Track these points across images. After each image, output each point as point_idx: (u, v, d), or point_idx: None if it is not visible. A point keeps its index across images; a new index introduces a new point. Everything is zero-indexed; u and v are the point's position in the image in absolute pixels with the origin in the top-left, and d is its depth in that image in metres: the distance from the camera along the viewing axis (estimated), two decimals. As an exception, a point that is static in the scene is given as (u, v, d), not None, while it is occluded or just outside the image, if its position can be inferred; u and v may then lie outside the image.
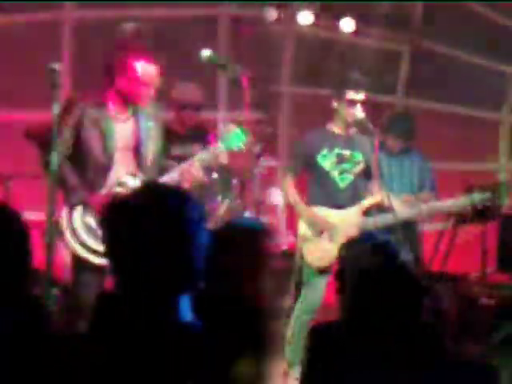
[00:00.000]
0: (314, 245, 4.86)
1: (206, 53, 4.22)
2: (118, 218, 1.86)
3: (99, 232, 3.50)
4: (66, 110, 3.83)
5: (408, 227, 5.04)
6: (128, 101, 3.91)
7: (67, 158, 3.83)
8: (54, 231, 3.55)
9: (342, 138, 4.97)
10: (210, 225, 3.50)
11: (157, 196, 1.88)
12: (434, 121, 7.59)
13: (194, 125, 5.07)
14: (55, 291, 4.47)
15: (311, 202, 4.97)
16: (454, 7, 7.48)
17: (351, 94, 4.85)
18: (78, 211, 3.85)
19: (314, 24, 7.67)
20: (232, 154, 4.28)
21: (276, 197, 7.62)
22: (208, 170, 4.28)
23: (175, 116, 5.06)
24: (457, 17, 7.46)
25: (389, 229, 4.78)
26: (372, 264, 2.37)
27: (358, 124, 4.90)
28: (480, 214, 5.14)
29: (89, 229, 3.84)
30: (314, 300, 4.86)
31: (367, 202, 4.92)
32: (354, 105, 4.86)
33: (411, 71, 8.08)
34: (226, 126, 4.21)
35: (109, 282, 3.33)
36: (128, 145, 3.97)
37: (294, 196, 4.97)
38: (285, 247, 6.46)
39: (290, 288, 4.98)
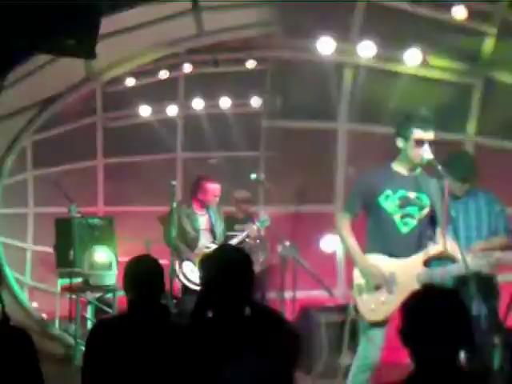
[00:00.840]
0: (369, 296, 4.36)
1: (253, 175, 7.31)
2: (206, 265, 3.23)
3: (196, 273, 6.31)
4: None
5: (481, 278, 4.36)
6: (204, 204, 6.93)
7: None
8: (173, 271, 6.64)
9: (408, 178, 4.46)
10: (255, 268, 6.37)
11: (225, 252, 3.30)
12: (508, 160, 6.80)
13: (247, 213, 7.86)
14: (174, 302, 6.86)
15: (369, 247, 4.48)
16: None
17: (419, 133, 4.36)
18: (186, 262, 6.79)
19: (375, 55, 7.18)
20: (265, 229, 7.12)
21: (331, 244, 7.96)
22: (254, 239, 7.15)
23: (237, 208, 7.85)
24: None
25: (460, 280, 4.29)
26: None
27: (426, 166, 4.42)
28: None
29: (191, 271, 6.71)
30: (369, 356, 4.38)
31: (431, 251, 4.36)
32: (422, 145, 4.36)
33: (483, 106, 7.33)
34: (261, 215, 7.43)
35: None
36: (206, 227, 6.93)
37: (349, 240, 4.49)
38: (342, 300, 6.80)
39: (344, 342, 4.80)
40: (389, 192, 4.44)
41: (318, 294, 7.18)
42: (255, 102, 9.66)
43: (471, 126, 7.54)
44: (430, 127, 4.40)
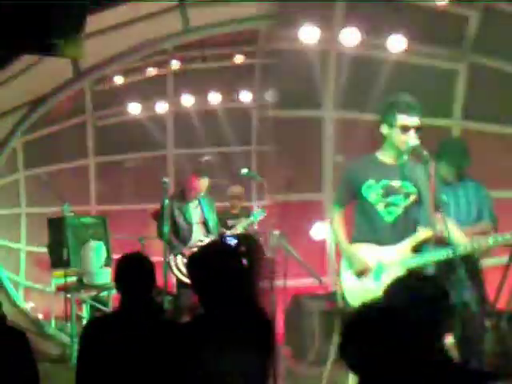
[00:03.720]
0: (356, 284, 4.39)
1: (244, 170, 7.39)
2: (193, 262, 3.27)
3: None
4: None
5: (471, 263, 4.44)
6: (191, 195, 6.96)
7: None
8: (166, 267, 6.54)
9: (391, 167, 4.43)
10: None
11: (214, 249, 3.31)
12: (495, 145, 6.74)
13: (240, 208, 8.00)
14: (169, 298, 6.92)
15: (356, 236, 4.52)
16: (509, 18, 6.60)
17: (403, 119, 4.29)
18: (179, 256, 6.76)
19: (359, 43, 7.11)
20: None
21: (321, 232, 7.96)
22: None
23: (231, 203, 7.97)
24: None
25: (449, 266, 4.17)
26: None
27: (412, 152, 4.32)
28: None
29: (185, 265, 6.57)
30: None
31: (417, 238, 4.35)
32: (407, 131, 4.31)
33: (469, 91, 7.28)
34: (255, 209, 7.51)
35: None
36: (199, 220, 6.94)
37: (338, 232, 4.53)
38: (332, 288, 6.51)
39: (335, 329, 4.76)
40: (372, 182, 4.42)
41: (309, 282, 7.16)
42: (244, 96, 9.67)
43: (457, 111, 7.52)
44: (416, 113, 4.34)
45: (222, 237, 6.77)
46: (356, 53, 7.36)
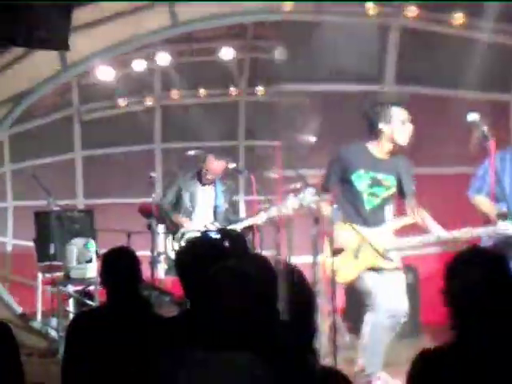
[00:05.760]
0: (337, 261, 4.59)
1: (232, 165, 6.88)
2: (177, 256, 3.56)
3: None
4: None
5: None
6: (207, 178, 6.77)
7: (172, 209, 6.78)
8: (155, 261, 6.53)
9: (380, 160, 4.81)
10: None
11: (196, 247, 3.30)
12: None
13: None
14: (155, 293, 6.70)
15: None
16: None
17: (401, 112, 4.67)
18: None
19: (420, 17, 7.15)
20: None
21: None
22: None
23: None
24: None
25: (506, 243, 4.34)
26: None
27: (472, 127, 4.50)
28: None
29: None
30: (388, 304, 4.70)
31: (399, 222, 4.79)
32: (405, 123, 4.66)
33: None
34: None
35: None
36: (209, 203, 6.73)
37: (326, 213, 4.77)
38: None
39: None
40: (362, 172, 4.80)
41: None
42: (232, 90, 9.67)
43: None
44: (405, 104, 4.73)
45: (204, 231, 6.56)
46: (416, 27, 7.48)
